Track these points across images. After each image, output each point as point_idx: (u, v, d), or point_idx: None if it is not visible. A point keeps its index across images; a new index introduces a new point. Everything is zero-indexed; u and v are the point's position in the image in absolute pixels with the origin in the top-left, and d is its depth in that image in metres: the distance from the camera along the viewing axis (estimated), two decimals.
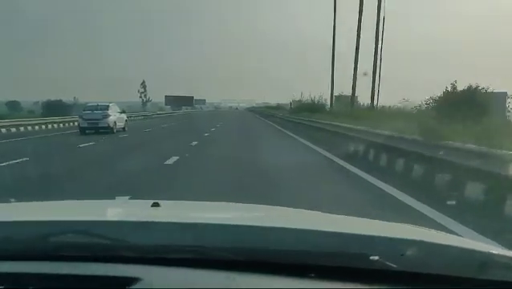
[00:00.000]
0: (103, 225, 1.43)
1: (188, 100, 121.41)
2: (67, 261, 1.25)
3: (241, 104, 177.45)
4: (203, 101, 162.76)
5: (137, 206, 2.04)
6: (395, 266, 1.22)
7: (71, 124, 35.90)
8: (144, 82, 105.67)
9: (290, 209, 1.96)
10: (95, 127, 26.94)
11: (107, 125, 27.18)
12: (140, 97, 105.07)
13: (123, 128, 28.85)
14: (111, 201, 2.61)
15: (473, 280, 1.21)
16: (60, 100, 51.59)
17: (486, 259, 1.27)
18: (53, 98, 50.46)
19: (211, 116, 67.09)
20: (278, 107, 73.34)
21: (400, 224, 1.68)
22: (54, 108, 45.14)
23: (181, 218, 1.60)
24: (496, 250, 1.35)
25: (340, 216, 1.76)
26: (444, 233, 1.65)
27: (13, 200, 2.07)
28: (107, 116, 27.65)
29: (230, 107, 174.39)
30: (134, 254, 1.27)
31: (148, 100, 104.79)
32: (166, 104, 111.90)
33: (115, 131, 27.30)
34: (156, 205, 1.67)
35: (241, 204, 2.05)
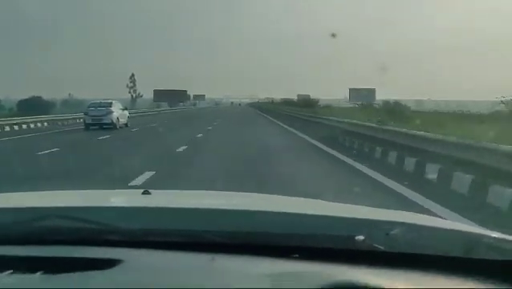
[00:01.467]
0: (89, 211, 1.45)
1: (180, 95, 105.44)
2: (49, 245, 1.28)
3: (243, 100, 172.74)
4: (202, 96, 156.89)
5: (127, 194, 2.08)
6: (381, 247, 1.24)
7: (46, 124, 33.48)
8: (133, 75, 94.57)
9: (276, 196, 2.00)
10: (99, 123, 28.29)
11: (110, 121, 28.52)
12: (130, 93, 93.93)
13: (126, 124, 30.17)
14: (100, 190, 2.49)
15: (458, 259, 1.23)
16: (39, 97, 49.00)
17: (471, 239, 1.30)
18: (46, 96, 49.20)
19: (203, 116, 52.61)
20: (287, 103, 64.68)
21: (385, 209, 1.71)
22: (31, 107, 42.56)
23: (167, 204, 1.62)
24: (480, 230, 1.40)
25: (326, 202, 1.81)
26: (429, 216, 1.72)
27: None
28: (111, 112, 29.08)
29: (232, 102, 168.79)
30: (118, 238, 1.29)
31: (139, 96, 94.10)
32: (154, 100, 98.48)
33: (118, 127, 28.63)
34: (146, 192, 1.69)
35: (228, 192, 2.13)
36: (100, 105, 29.81)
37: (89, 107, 30.36)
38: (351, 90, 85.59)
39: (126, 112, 31.89)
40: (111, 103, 30.28)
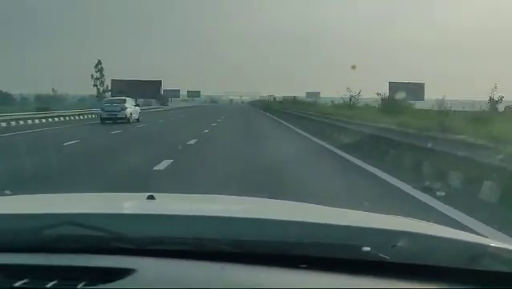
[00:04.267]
0: (98, 218, 1.46)
1: (150, 88, 76.12)
2: (62, 253, 1.30)
3: (243, 98, 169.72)
4: (197, 93, 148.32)
5: (133, 199, 2.06)
6: (387, 257, 1.26)
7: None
8: (99, 63, 74.72)
9: (283, 202, 2.03)
10: (113, 117, 31.94)
11: (124, 116, 32.47)
12: (95, 85, 75.01)
13: (138, 119, 33.72)
14: (107, 194, 2.61)
15: (464, 271, 1.25)
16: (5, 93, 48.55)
17: (477, 250, 1.31)
18: (28, 90, 47.50)
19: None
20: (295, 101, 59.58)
21: (391, 216, 1.72)
22: None
23: (175, 211, 1.65)
24: (486, 241, 1.40)
25: (332, 208, 1.83)
26: (435, 224, 1.66)
27: (8, 192, 2.24)
28: (125, 108, 33.26)
29: (231, 100, 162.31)
30: (128, 246, 1.31)
31: (107, 90, 74.95)
32: (112, 94, 68.83)
33: (131, 121, 32.37)
34: (151, 198, 1.71)
35: (234, 196, 2.16)
36: (115, 102, 34.49)
37: (105, 103, 35.24)
38: (391, 84, 64.46)
39: (138, 108, 35.91)
40: (124, 100, 34.76)
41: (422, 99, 55.18)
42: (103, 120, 32.58)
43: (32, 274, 1.23)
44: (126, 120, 32.20)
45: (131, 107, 34.17)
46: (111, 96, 71.51)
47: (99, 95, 71.01)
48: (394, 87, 63.03)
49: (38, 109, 38.71)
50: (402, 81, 64.16)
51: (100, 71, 73.76)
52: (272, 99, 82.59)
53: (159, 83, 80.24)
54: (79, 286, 1.19)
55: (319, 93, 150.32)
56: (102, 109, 34.19)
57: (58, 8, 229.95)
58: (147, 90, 72.96)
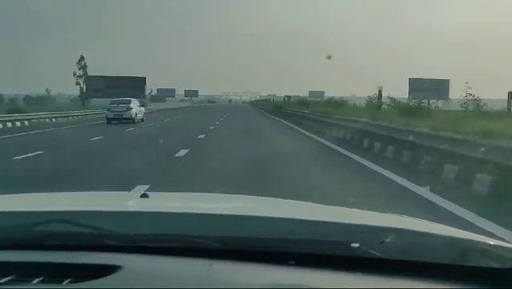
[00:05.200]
0: (86, 215, 1.48)
1: (132, 85, 64.14)
2: (50, 250, 1.33)
3: (243, 97, 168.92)
4: (195, 92, 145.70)
5: (125, 197, 2.10)
6: (376, 253, 1.28)
7: None
8: (82, 59, 68.23)
9: (272, 199, 2.03)
10: (119, 118, 34.23)
11: (129, 116, 34.65)
12: (78, 84, 68.42)
13: (142, 119, 36.33)
14: (99, 192, 2.61)
15: (453, 266, 1.27)
16: None
17: (466, 246, 1.33)
18: (22, 91, 49.84)
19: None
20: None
21: (381, 213, 1.75)
22: None
23: (164, 208, 1.65)
24: (475, 237, 1.41)
25: (322, 205, 1.85)
26: (425, 221, 1.69)
27: None
28: (130, 108, 35.47)
29: (230, 100, 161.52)
30: (116, 243, 1.34)
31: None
32: (87, 93, 66.38)
33: (135, 121, 34.49)
34: (144, 196, 1.74)
35: (226, 195, 2.21)
36: (121, 102, 36.25)
37: (111, 104, 36.67)
38: (412, 81, 57.63)
39: (142, 109, 39.06)
40: (130, 100, 36.87)
41: (446, 98, 48.01)
42: (109, 119, 34.68)
43: (18, 271, 1.25)
44: (131, 120, 34.26)
45: (136, 108, 36.55)
46: (86, 96, 62.83)
47: (83, 95, 63.62)
48: (414, 84, 56.45)
49: (9, 111, 37.42)
50: (424, 77, 57.01)
51: (84, 67, 67.11)
52: (286, 99, 64.20)
53: (142, 80, 69.03)
54: (64, 283, 1.21)
55: (324, 92, 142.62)
56: (108, 110, 36.34)
57: (57, 7, 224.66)
58: (128, 88, 62.20)
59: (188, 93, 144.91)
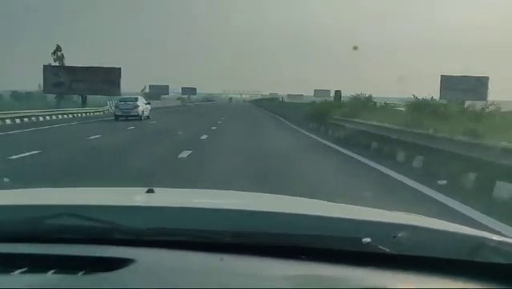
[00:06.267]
0: (98, 209, 1.54)
1: (101, 78, 51.75)
2: (62, 243, 1.37)
3: (243, 96, 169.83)
4: (193, 90, 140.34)
5: (132, 192, 2.15)
6: (387, 249, 1.33)
7: None
8: (58, 49, 56.77)
9: (283, 197, 2.08)
10: (127, 115, 36.35)
11: (136, 114, 36.79)
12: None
13: (148, 116, 38.46)
14: (107, 188, 2.63)
15: (463, 262, 1.32)
16: None
17: (477, 243, 1.37)
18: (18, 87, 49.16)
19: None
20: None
21: (392, 211, 1.80)
22: None
23: (174, 203, 1.71)
24: (485, 234, 1.45)
25: (333, 203, 1.90)
26: (435, 219, 1.72)
27: (6, 179, 2.47)
28: (137, 106, 37.68)
29: (231, 98, 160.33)
30: (127, 237, 1.39)
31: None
32: (45, 87, 52.53)
33: (142, 118, 36.71)
34: (150, 191, 1.80)
35: (234, 191, 2.21)
36: (128, 100, 39.11)
37: (119, 101, 39.96)
38: (444, 78, 49.22)
39: (149, 106, 40.65)
40: (137, 98, 39.92)
41: (485, 98, 39.62)
42: (116, 116, 37.21)
43: (32, 263, 1.31)
44: (138, 118, 36.28)
45: (142, 106, 38.58)
46: (44, 91, 52.54)
47: (58, 95, 54.87)
48: (447, 82, 48.33)
49: None
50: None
51: (60, 59, 57.86)
52: (337, 97, 34.42)
53: (117, 71, 53.67)
54: (78, 275, 1.26)
55: (330, 91, 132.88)
56: (116, 107, 39.76)
57: (56, 6, 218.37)
58: (99, 81, 51.21)
59: (185, 91, 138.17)
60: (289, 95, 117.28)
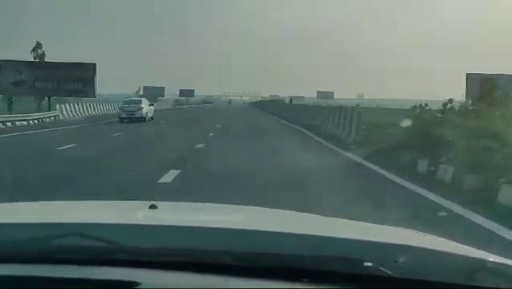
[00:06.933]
0: (101, 228, 1.54)
1: (71, 76, 45.26)
2: (65, 264, 1.38)
3: (243, 98, 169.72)
4: (191, 92, 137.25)
5: (135, 208, 2.14)
6: (389, 272, 1.35)
7: None
8: (38, 46, 51.50)
9: (285, 212, 2.10)
10: (131, 117, 37.43)
11: (140, 115, 38.08)
12: None
13: (152, 118, 39.73)
14: (107, 202, 2.79)
15: (466, 287, 1.34)
16: None
17: (479, 266, 1.39)
18: None
19: None
20: None
21: (393, 227, 1.85)
22: None
23: (178, 221, 1.73)
24: (489, 256, 1.47)
25: (335, 219, 1.93)
26: (435, 237, 1.75)
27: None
28: (141, 108, 38.91)
29: (230, 100, 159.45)
30: (132, 258, 1.40)
31: None
32: (0, 90, 44.74)
33: (146, 120, 37.96)
34: (153, 207, 1.80)
35: (237, 206, 2.20)
36: (132, 102, 40.30)
37: (124, 104, 40.58)
38: (470, 77, 43.76)
39: (152, 108, 41.79)
40: (141, 100, 41.39)
41: None
42: (121, 118, 37.86)
43: (34, 286, 1.32)
44: (142, 119, 37.65)
45: (146, 107, 39.93)
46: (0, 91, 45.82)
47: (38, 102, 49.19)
48: (474, 81, 42.94)
49: None
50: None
51: (41, 57, 52.53)
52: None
53: (91, 68, 47.25)
54: None
55: (333, 93, 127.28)
56: (121, 109, 40.38)
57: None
58: (70, 79, 45.01)
59: (183, 93, 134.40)
60: (291, 97, 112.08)
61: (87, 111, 48.99)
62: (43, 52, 53.85)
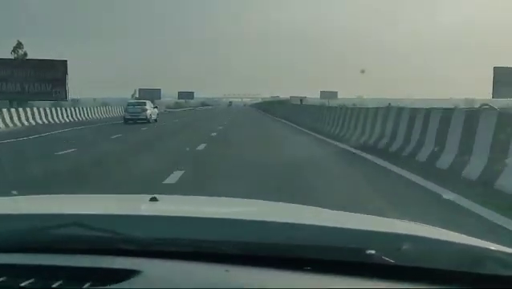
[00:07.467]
0: (102, 219, 1.56)
1: (40, 74, 40.72)
2: (68, 253, 1.39)
3: (244, 99, 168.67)
4: (190, 94, 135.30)
5: (136, 201, 2.15)
6: (392, 260, 1.34)
7: None
8: (19, 46, 48.86)
9: (287, 204, 2.11)
10: (135, 118, 38.14)
11: (144, 117, 38.87)
12: None
13: (156, 120, 40.54)
14: (108, 195, 2.81)
15: (467, 274, 1.33)
16: None
17: (481, 254, 1.40)
18: None
19: None
20: None
21: (395, 220, 1.85)
22: None
23: (179, 212, 1.74)
24: (491, 245, 1.47)
25: (337, 211, 1.92)
26: (438, 228, 1.75)
27: (15, 192, 2.41)
28: (145, 110, 39.55)
29: (230, 102, 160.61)
30: (132, 247, 1.40)
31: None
32: None
33: (150, 122, 38.90)
34: (154, 199, 1.81)
35: (238, 199, 2.22)
36: (137, 104, 40.64)
37: (128, 105, 40.89)
38: (498, 71, 39.59)
39: (156, 110, 42.58)
40: (145, 102, 41.24)
41: None
42: (126, 120, 38.35)
43: (39, 274, 1.32)
44: (146, 121, 38.33)
45: (150, 109, 40.44)
46: None
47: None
48: (502, 75, 38.69)
49: None
50: None
51: (22, 57, 48.44)
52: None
53: (62, 65, 42.33)
54: (84, 287, 1.27)
55: (337, 93, 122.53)
56: (126, 111, 40.28)
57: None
58: (38, 79, 40.22)
59: (182, 95, 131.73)
60: (292, 97, 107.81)
61: (37, 119, 36.82)
62: (25, 52, 49.82)
